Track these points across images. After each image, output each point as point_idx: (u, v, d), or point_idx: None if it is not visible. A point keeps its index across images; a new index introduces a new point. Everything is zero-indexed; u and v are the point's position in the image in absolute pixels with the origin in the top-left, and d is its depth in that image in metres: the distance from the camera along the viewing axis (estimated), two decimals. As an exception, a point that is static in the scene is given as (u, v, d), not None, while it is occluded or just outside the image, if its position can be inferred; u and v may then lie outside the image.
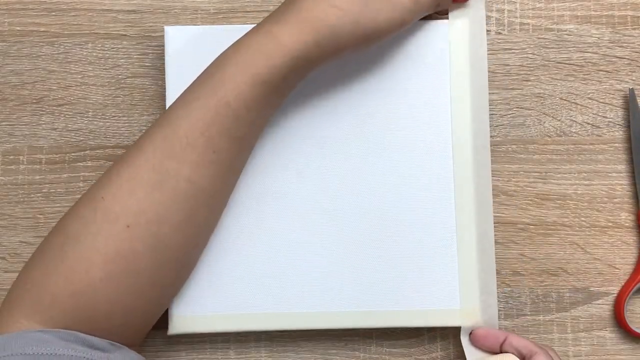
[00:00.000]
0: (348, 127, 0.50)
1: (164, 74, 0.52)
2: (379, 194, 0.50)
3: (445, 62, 0.50)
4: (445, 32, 0.50)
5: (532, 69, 0.53)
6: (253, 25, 0.51)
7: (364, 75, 0.51)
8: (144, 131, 0.52)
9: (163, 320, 0.49)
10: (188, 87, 0.46)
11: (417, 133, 0.50)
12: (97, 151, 0.53)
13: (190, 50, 0.50)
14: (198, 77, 0.45)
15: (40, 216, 0.53)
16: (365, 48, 0.46)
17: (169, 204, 0.43)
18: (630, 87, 0.53)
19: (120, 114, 0.53)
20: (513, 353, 0.47)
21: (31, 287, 0.43)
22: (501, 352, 0.48)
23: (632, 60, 0.53)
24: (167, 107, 0.50)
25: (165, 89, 0.51)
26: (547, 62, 0.53)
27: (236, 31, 0.50)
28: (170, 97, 0.50)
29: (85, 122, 0.53)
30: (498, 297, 0.52)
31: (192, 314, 0.49)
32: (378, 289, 0.49)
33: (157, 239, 0.43)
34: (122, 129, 0.53)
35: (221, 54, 0.45)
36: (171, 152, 0.43)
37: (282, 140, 0.50)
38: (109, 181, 0.44)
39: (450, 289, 0.49)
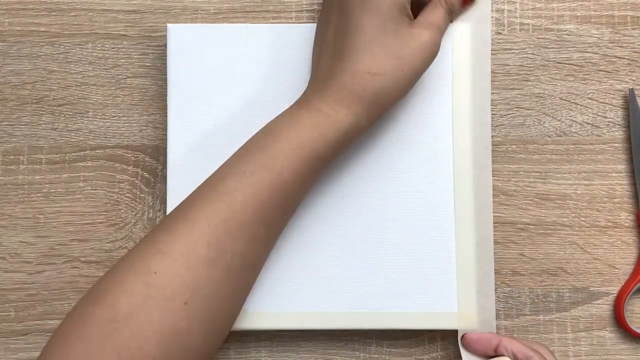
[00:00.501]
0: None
1: (164, 74, 0.52)
2: (378, 195, 0.50)
3: (448, 63, 0.50)
4: (449, 33, 0.50)
5: (532, 69, 0.53)
6: (254, 24, 0.51)
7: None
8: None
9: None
10: (235, 158, 0.45)
11: (417, 134, 0.50)
12: (97, 151, 0.53)
13: (192, 48, 0.50)
14: (245, 148, 0.45)
15: (40, 216, 0.53)
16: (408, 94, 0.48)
17: (222, 278, 0.43)
18: (630, 87, 0.53)
19: (120, 114, 0.53)
20: (509, 357, 0.47)
21: None
22: (496, 355, 0.48)
23: (632, 60, 0.53)
24: (169, 107, 0.50)
25: (166, 87, 0.51)
26: (547, 62, 0.53)
27: (239, 30, 0.51)
28: (172, 95, 0.50)
29: (85, 122, 0.53)
30: (498, 297, 0.52)
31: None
32: (376, 290, 0.49)
33: (211, 313, 0.43)
34: (122, 129, 0.53)
35: (269, 129, 0.45)
36: (227, 228, 0.43)
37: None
38: (159, 254, 0.42)
39: (447, 292, 0.49)
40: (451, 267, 0.50)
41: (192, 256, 0.42)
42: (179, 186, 0.49)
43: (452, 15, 0.49)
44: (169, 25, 0.51)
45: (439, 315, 0.49)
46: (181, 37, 0.50)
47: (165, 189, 0.50)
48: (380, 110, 0.46)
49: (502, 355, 0.48)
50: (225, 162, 0.45)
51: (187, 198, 0.45)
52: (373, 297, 0.49)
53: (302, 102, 0.46)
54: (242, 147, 0.46)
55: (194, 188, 0.45)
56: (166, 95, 0.50)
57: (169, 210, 0.49)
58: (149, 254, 0.42)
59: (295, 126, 0.45)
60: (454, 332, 0.50)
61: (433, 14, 0.47)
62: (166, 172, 0.50)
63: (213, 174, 0.45)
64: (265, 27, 0.51)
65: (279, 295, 0.49)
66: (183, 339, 0.41)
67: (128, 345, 0.40)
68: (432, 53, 0.47)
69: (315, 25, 0.50)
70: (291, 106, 0.47)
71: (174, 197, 0.49)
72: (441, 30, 0.48)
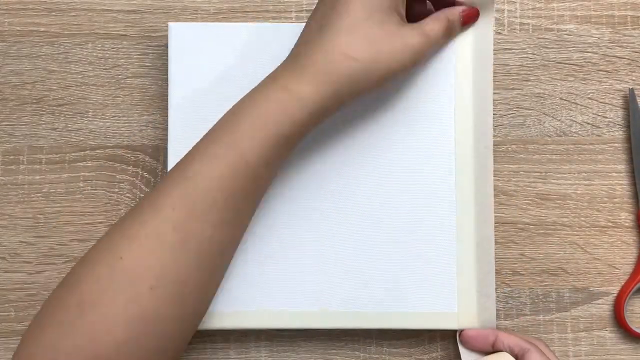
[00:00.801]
0: (349, 128, 0.50)
1: (164, 74, 0.52)
2: (379, 195, 0.50)
3: (451, 64, 0.50)
4: None
5: (532, 69, 0.53)
6: (255, 23, 0.51)
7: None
8: (142, 131, 0.51)
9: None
10: (203, 140, 0.44)
11: (418, 135, 0.50)
12: (97, 151, 0.53)
13: (193, 47, 0.50)
14: (214, 129, 0.44)
15: (40, 216, 0.53)
16: (379, 89, 0.46)
17: (192, 263, 0.42)
18: (630, 87, 0.53)
19: (120, 114, 0.53)
20: (506, 351, 0.47)
21: (44, 348, 0.40)
22: (494, 351, 0.48)
23: (632, 60, 0.53)
24: (169, 105, 0.50)
25: (166, 88, 0.51)
26: (547, 62, 0.53)
27: (240, 29, 0.51)
28: (173, 94, 0.50)
29: (85, 122, 0.53)
30: (498, 297, 0.52)
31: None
32: (376, 290, 0.49)
33: (180, 298, 0.42)
34: (122, 129, 0.53)
35: (236, 107, 0.44)
36: (192, 213, 0.42)
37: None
38: (125, 239, 0.42)
39: (447, 292, 0.49)
40: (451, 267, 0.50)
41: (157, 241, 0.41)
42: (179, 186, 0.49)
43: (449, 33, 0.49)
44: (170, 24, 0.50)
45: (439, 315, 0.49)
46: (182, 36, 0.50)
47: (165, 189, 0.50)
48: (348, 97, 0.45)
49: (500, 351, 0.48)
50: (197, 143, 0.45)
51: (159, 182, 0.44)
52: (373, 297, 0.49)
53: (270, 77, 0.45)
54: (213, 126, 0.45)
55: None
56: (166, 95, 0.50)
57: (169, 210, 0.49)
58: (114, 239, 0.42)
59: (260, 104, 0.43)
60: (454, 332, 0.50)
61: (432, 24, 0.47)
62: (166, 172, 0.50)
63: (184, 156, 0.44)
64: (266, 26, 0.51)
65: (279, 294, 0.49)
66: (151, 324, 0.41)
67: (96, 329, 0.40)
68: (412, 59, 0.46)
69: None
70: (262, 80, 0.45)
71: (174, 197, 0.49)
72: (431, 43, 0.47)
